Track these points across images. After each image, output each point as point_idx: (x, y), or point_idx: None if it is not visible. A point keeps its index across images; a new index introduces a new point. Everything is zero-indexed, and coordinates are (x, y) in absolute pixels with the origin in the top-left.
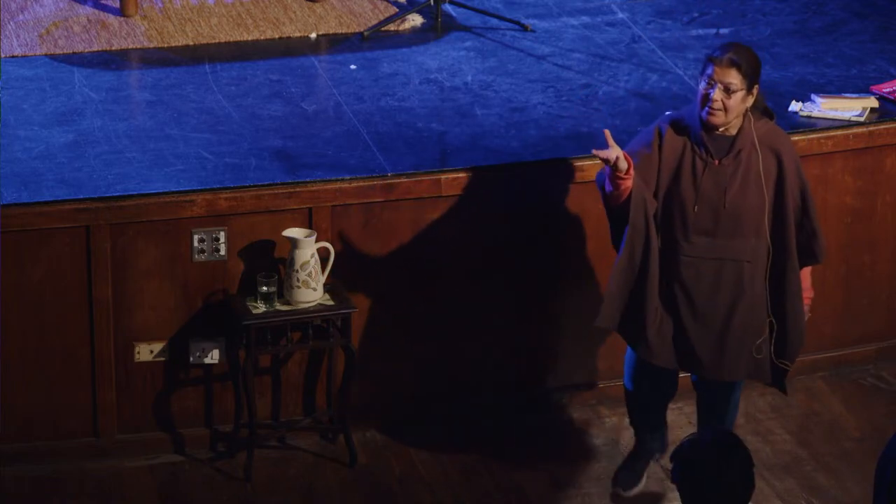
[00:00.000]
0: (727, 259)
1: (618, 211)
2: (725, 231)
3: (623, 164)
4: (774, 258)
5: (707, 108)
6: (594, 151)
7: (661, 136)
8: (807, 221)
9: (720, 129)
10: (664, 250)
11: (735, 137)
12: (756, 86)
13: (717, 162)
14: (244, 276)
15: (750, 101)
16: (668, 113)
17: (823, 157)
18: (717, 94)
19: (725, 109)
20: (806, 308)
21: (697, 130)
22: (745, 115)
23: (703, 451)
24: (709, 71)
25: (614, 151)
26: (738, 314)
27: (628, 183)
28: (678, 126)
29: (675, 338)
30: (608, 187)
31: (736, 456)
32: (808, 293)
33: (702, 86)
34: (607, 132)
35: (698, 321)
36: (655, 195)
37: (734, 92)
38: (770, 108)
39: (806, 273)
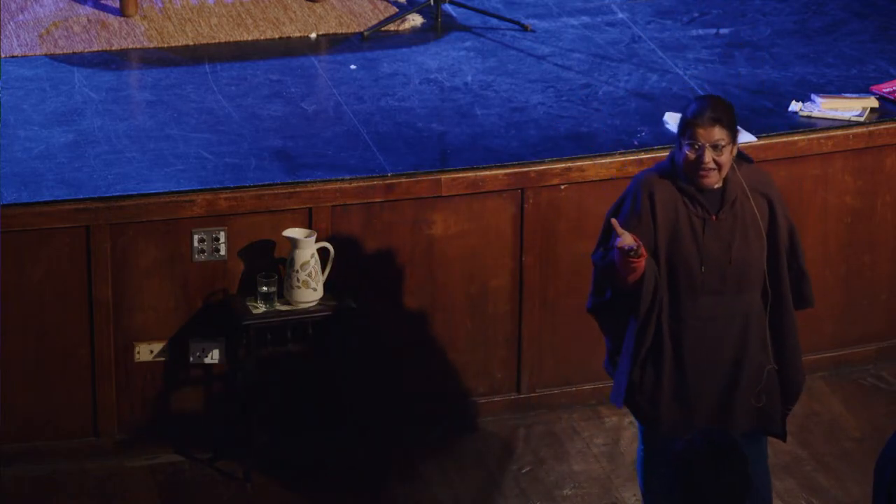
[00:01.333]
0: (736, 314)
1: (624, 288)
2: (732, 287)
3: (640, 249)
4: (773, 304)
5: (700, 172)
6: (616, 244)
7: (651, 199)
8: (795, 263)
9: (714, 185)
10: (670, 314)
11: (725, 188)
12: (737, 132)
13: (714, 217)
14: (244, 276)
15: (735, 150)
16: (640, 174)
17: (823, 157)
18: (707, 155)
19: (719, 168)
20: None
21: (686, 188)
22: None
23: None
24: (690, 133)
25: (629, 238)
26: (744, 367)
27: (642, 263)
28: (662, 185)
29: (680, 400)
30: (621, 272)
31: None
32: None
33: (686, 150)
34: (615, 221)
35: (705, 379)
36: (656, 259)
37: (723, 147)
38: (742, 152)
39: None
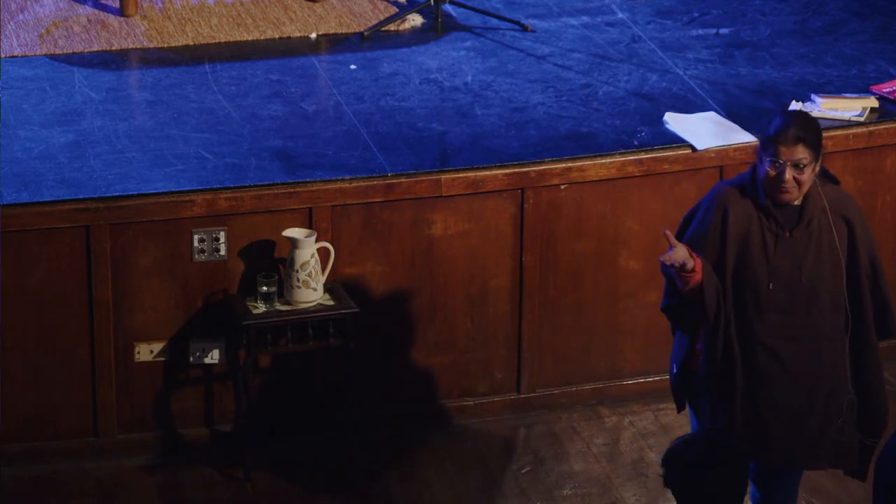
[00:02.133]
0: (805, 337)
1: (686, 295)
2: (802, 307)
3: (690, 264)
4: (853, 331)
5: (779, 190)
6: (660, 258)
7: (724, 213)
8: (877, 291)
9: (794, 202)
10: (740, 333)
11: (803, 206)
12: (822, 150)
13: (788, 234)
14: (244, 276)
15: (818, 167)
16: (720, 184)
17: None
18: (788, 174)
19: (799, 186)
20: None
21: (763, 202)
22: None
23: (697, 452)
24: (772, 151)
25: (681, 253)
26: (820, 396)
27: (697, 277)
28: (739, 198)
29: (756, 424)
30: (678, 283)
31: (730, 454)
32: None
33: (766, 167)
34: (667, 233)
35: (776, 406)
36: (722, 274)
37: (805, 166)
38: (829, 172)
39: None
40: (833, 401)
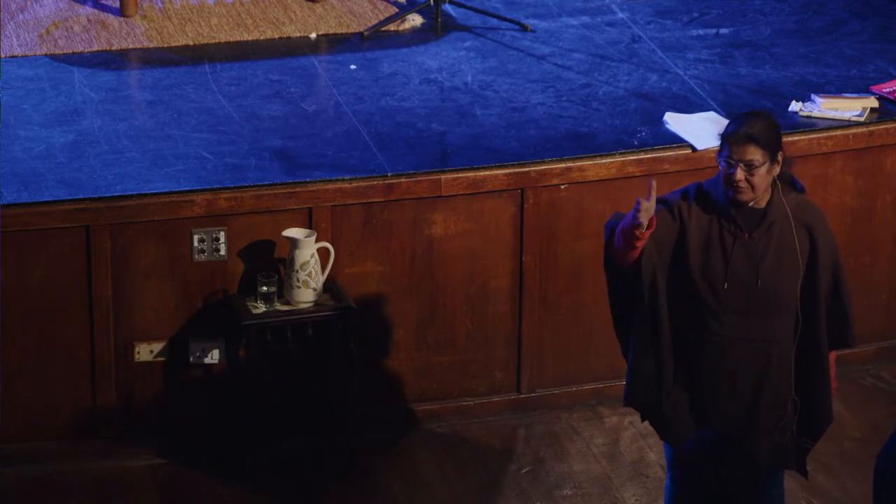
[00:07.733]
0: (758, 340)
1: (620, 269)
2: (758, 310)
3: (644, 223)
4: (803, 338)
5: (733, 188)
6: (638, 198)
7: (688, 208)
8: (837, 303)
9: (750, 203)
10: (690, 331)
11: (766, 209)
12: (780, 153)
13: (746, 235)
14: (244, 276)
15: (777, 169)
16: (693, 183)
17: (823, 157)
18: (739, 173)
19: (752, 186)
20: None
21: (724, 204)
22: (773, 185)
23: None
24: (725, 151)
25: (653, 206)
26: (765, 396)
27: (641, 244)
28: (705, 199)
29: (699, 422)
30: (618, 241)
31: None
32: (832, 384)
33: (722, 166)
34: (653, 182)
35: (723, 405)
36: (679, 271)
37: (756, 167)
38: (797, 181)
39: (832, 361)
40: (777, 401)
